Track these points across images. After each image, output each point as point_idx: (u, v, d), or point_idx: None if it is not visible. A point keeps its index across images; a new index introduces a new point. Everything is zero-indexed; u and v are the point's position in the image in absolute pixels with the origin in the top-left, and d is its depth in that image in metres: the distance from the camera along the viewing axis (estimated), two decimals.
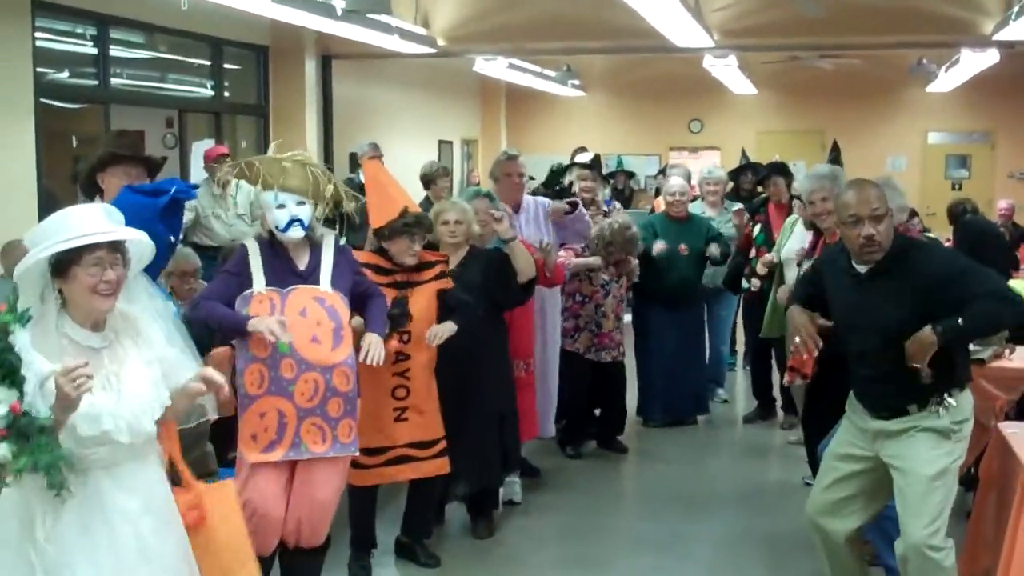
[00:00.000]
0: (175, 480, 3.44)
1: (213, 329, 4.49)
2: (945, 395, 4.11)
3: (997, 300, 3.99)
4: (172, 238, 4.27)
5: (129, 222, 3.33)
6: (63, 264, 3.12)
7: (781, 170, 8.29)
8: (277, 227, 4.44)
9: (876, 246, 4.04)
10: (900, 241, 4.16)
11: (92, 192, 4.47)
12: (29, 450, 2.80)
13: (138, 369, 3.21)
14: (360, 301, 4.69)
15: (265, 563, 4.47)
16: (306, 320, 4.41)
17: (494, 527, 5.92)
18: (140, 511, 3.21)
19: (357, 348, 4.58)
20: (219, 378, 3.41)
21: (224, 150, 8.92)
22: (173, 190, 4.14)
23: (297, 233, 4.44)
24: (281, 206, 4.42)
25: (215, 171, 8.32)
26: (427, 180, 9.22)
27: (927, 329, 3.94)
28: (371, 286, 4.80)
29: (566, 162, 8.88)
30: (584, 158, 8.76)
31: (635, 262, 7.53)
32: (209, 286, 4.74)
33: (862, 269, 4.14)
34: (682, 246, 7.82)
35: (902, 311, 4.00)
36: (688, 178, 9.03)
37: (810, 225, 6.21)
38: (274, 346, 4.32)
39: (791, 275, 6.40)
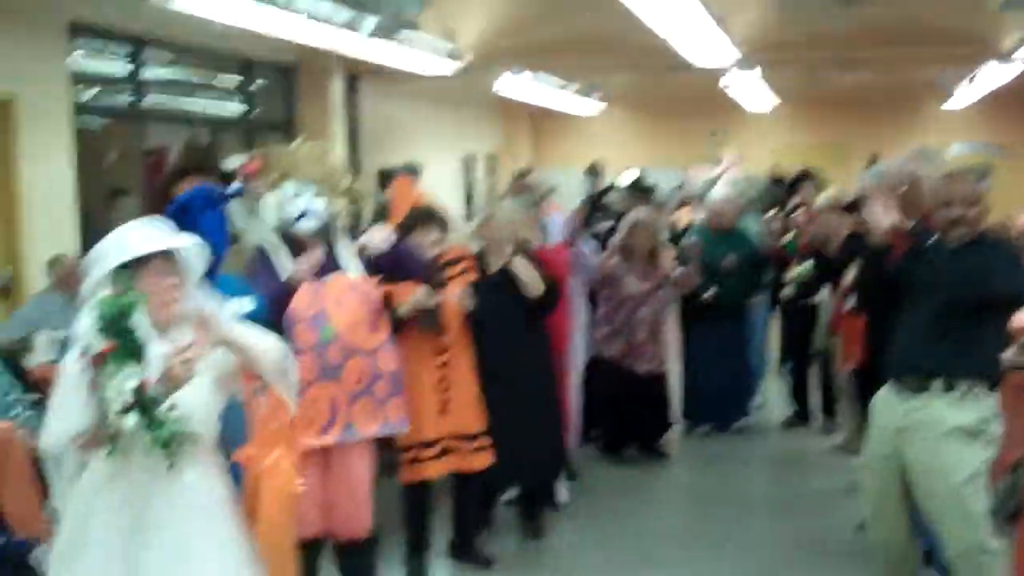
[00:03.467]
0: None
1: None
2: (973, 380, 4.17)
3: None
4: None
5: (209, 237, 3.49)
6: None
7: (807, 175, 8.38)
8: (292, 217, 4.48)
9: (964, 227, 4.21)
10: (985, 233, 4.34)
11: (163, 206, 4.54)
12: (155, 424, 2.89)
13: (202, 370, 3.29)
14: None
15: (311, 555, 4.53)
16: (344, 307, 4.49)
17: (543, 529, 5.97)
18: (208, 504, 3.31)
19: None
20: None
21: (258, 165, 8.98)
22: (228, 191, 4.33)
23: (309, 224, 4.48)
24: (296, 196, 4.49)
25: (252, 187, 8.40)
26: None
27: None
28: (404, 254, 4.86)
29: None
30: (627, 177, 8.83)
31: (678, 266, 7.55)
32: None
33: (948, 246, 4.28)
34: (728, 258, 7.88)
35: (974, 279, 4.12)
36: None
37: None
38: (319, 334, 4.40)
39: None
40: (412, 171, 9.91)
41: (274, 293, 4.42)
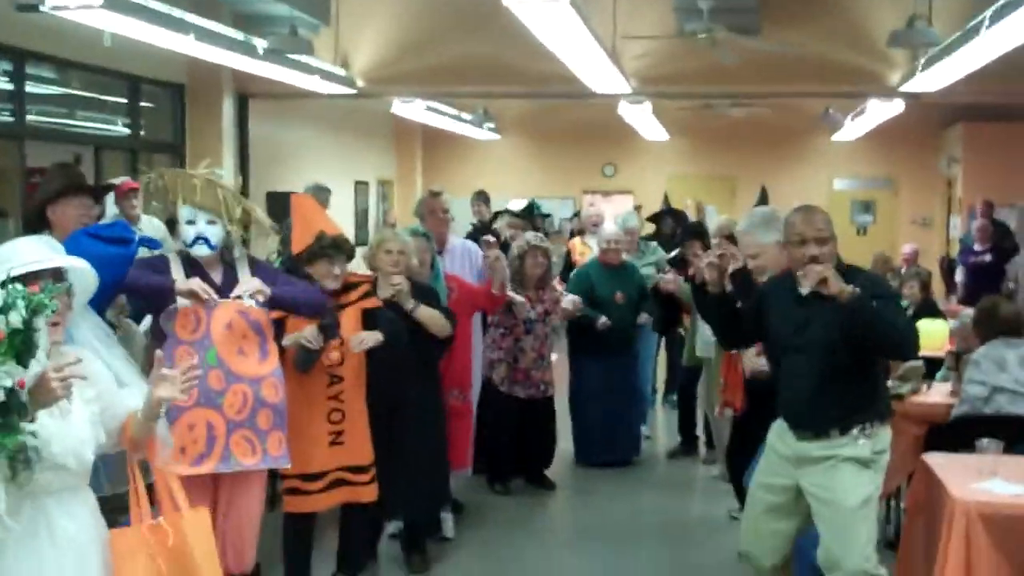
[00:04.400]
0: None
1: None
2: (867, 423, 4.24)
3: (907, 324, 4.34)
4: None
5: (99, 270, 3.36)
6: None
7: (697, 234, 8.43)
8: (184, 242, 4.49)
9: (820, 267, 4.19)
10: (841, 266, 4.31)
11: (40, 226, 4.41)
12: (10, 431, 2.77)
13: (77, 405, 3.16)
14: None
15: None
16: (232, 333, 4.42)
17: (429, 561, 5.89)
18: (84, 539, 3.16)
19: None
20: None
21: (135, 185, 8.80)
22: (137, 238, 4.29)
23: (202, 251, 4.48)
24: (191, 222, 4.46)
25: (125, 205, 8.23)
26: None
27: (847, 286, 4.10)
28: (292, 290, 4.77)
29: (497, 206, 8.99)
30: (517, 204, 8.84)
31: (559, 289, 7.57)
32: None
33: (805, 291, 4.27)
34: (618, 294, 7.89)
35: (837, 329, 4.14)
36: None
37: None
38: (202, 357, 4.29)
39: None
40: (322, 191, 9.84)
41: (154, 282, 4.37)
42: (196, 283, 4.35)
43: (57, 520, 3.10)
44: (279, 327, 4.76)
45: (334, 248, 5.12)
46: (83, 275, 3.29)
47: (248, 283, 4.49)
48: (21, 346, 2.81)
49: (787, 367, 4.37)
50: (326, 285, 5.07)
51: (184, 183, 4.47)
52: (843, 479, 4.22)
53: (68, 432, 3.08)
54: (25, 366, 2.83)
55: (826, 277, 4.09)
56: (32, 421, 2.88)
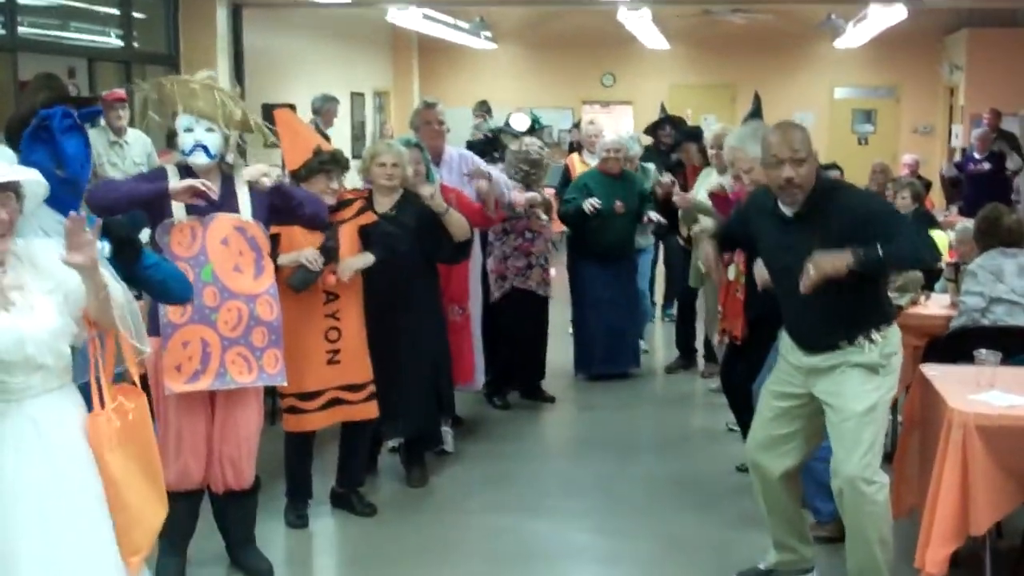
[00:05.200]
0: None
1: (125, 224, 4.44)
2: (872, 330, 4.22)
3: (914, 239, 4.13)
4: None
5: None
6: None
7: (692, 136, 8.37)
8: (183, 151, 4.38)
9: (796, 188, 4.13)
10: (824, 184, 4.24)
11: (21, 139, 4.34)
12: None
13: (39, 298, 3.15)
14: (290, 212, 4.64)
15: (191, 504, 4.49)
16: (228, 249, 4.38)
17: (428, 475, 5.94)
18: (75, 438, 3.20)
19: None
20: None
21: (122, 95, 8.71)
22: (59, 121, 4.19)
23: (200, 159, 4.36)
24: (188, 130, 4.36)
25: (111, 116, 8.15)
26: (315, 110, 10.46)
27: (847, 251, 4.01)
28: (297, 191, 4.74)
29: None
30: (520, 121, 8.67)
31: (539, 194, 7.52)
32: (117, 181, 4.65)
33: (788, 212, 4.22)
34: (618, 203, 7.82)
35: (827, 250, 4.07)
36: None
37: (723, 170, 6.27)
38: (197, 274, 4.27)
39: (707, 221, 6.50)
40: (330, 101, 10.13)
41: (146, 190, 4.30)
42: (191, 180, 4.28)
43: (46, 425, 3.12)
44: (274, 244, 4.73)
45: (333, 162, 5.08)
46: (34, 185, 3.26)
47: (254, 168, 4.45)
48: None
49: (784, 287, 4.31)
50: (324, 201, 5.03)
51: (181, 89, 4.37)
52: (850, 385, 4.21)
53: (39, 327, 3.09)
54: None
55: (821, 276, 4.03)
56: None
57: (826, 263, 4.02)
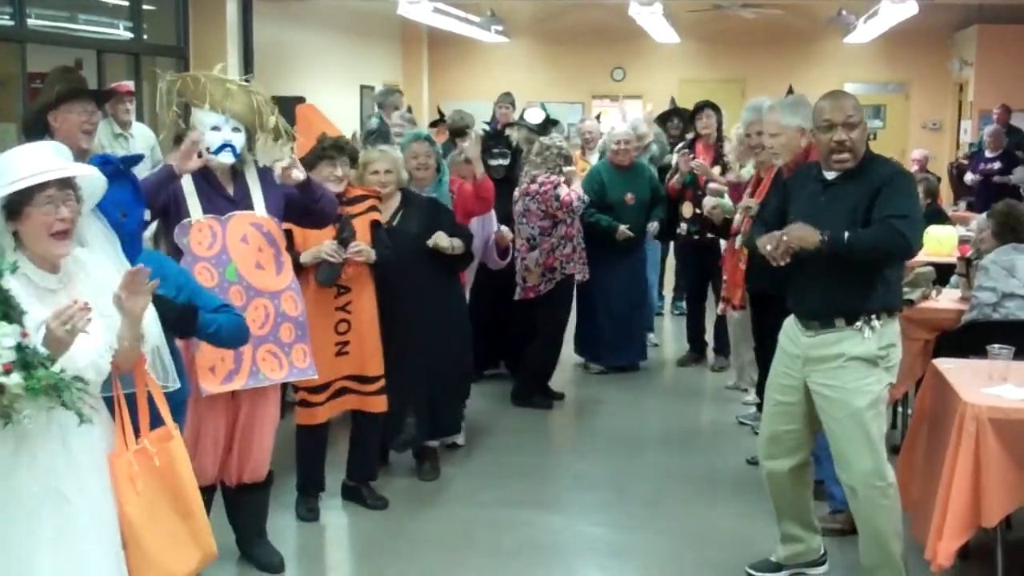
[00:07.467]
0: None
1: None
2: (873, 316, 4.20)
3: (891, 230, 4.05)
4: None
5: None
6: (15, 205, 3.07)
7: (712, 106, 8.38)
8: (208, 149, 4.30)
9: (847, 152, 4.15)
10: (869, 154, 4.26)
11: (40, 132, 4.35)
12: (36, 378, 2.78)
13: (95, 317, 3.14)
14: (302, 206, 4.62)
15: (204, 499, 4.46)
16: (248, 247, 4.38)
17: (439, 468, 5.94)
18: (98, 455, 3.19)
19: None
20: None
21: (129, 87, 8.71)
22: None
23: (227, 159, 4.34)
24: (216, 128, 4.31)
25: (118, 108, 8.16)
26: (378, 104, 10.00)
27: (817, 232, 4.04)
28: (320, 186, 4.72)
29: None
30: (535, 115, 8.61)
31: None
32: None
33: (831, 176, 4.24)
34: (628, 195, 7.82)
35: (856, 214, 4.11)
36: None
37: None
38: (221, 274, 4.28)
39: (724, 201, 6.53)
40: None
41: (154, 177, 4.25)
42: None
43: (72, 436, 3.09)
44: (288, 240, 4.74)
45: (336, 149, 5.09)
46: (91, 181, 3.24)
47: (285, 161, 4.40)
48: (2, 307, 2.82)
49: (801, 260, 4.30)
50: (329, 188, 5.01)
51: (216, 87, 4.32)
52: (851, 378, 4.21)
53: (89, 343, 3.06)
54: (16, 321, 2.84)
55: (789, 245, 4.05)
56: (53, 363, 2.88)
57: (797, 234, 4.07)
